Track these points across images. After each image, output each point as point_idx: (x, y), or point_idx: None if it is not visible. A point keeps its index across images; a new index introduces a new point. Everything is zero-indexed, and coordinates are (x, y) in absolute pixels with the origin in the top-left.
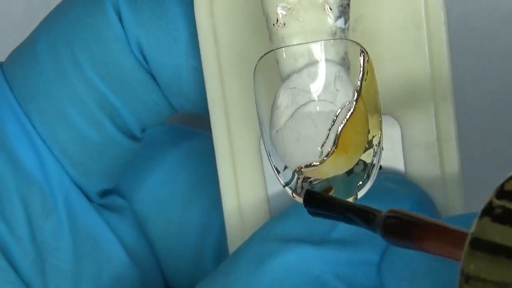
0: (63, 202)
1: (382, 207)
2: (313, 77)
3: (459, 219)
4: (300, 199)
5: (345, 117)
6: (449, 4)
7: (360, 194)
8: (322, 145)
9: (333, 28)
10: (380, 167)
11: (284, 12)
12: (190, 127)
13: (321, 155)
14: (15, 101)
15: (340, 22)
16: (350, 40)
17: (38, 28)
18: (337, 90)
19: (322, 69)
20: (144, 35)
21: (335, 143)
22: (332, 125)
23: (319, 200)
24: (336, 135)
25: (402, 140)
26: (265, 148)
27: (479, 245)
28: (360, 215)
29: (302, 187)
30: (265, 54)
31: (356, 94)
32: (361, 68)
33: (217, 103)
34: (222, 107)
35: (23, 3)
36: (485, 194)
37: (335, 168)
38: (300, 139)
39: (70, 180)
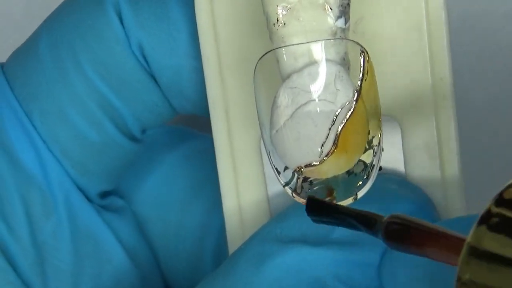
0: (63, 203)
1: (382, 208)
2: (313, 77)
3: (460, 221)
4: (300, 199)
5: (345, 117)
6: (449, 4)
7: (360, 194)
8: (322, 145)
9: (333, 28)
10: (380, 168)
11: (284, 12)
12: (190, 128)
13: (321, 155)
14: (15, 101)
15: (340, 22)
16: (351, 40)
17: (40, 28)
18: (337, 90)
19: (322, 69)
20: (145, 36)
21: (335, 143)
22: (332, 125)
23: (322, 207)
24: (336, 135)
25: (402, 141)
26: (265, 148)
27: (475, 253)
28: (362, 221)
29: (302, 187)
30: (265, 54)
31: (356, 94)
32: (361, 68)
33: (217, 103)
34: (222, 107)
35: (23, 3)
36: (485, 196)
37: (335, 168)
38: (300, 139)
39: (71, 181)
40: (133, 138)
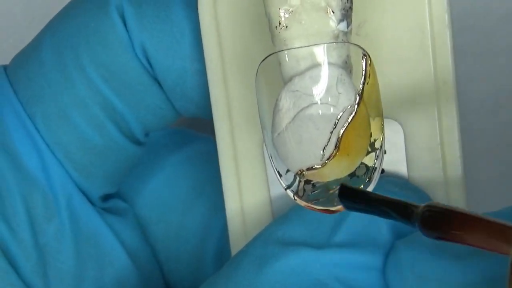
0: (65, 205)
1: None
2: (315, 80)
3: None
4: (302, 202)
5: (347, 121)
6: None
7: None
8: (324, 148)
9: (336, 31)
10: (383, 170)
11: (286, 15)
12: (192, 130)
13: (322, 158)
14: (19, 104)
15: (343, 26)
16: (353, 43)
17: (43, 31)
18: (339, 93)
19: (324, 72)
20: (148, 39)
21: (337, 146)
22: (334, 128)
23: (355, 194)
24: (338, 138)
25: (405, 143)
26: (267, 151)
27: None
28: (398, 209)
29: (304, 190)
30: (267, 57)
31: (358, 97)
32: (363, 72)
33: (220, 105)
34: (225, 109)
35: (23, 3)
36: (488, 198)
37: (336, 171)
38: (302, 142)
39: (73, 183)
40: (136, 141)
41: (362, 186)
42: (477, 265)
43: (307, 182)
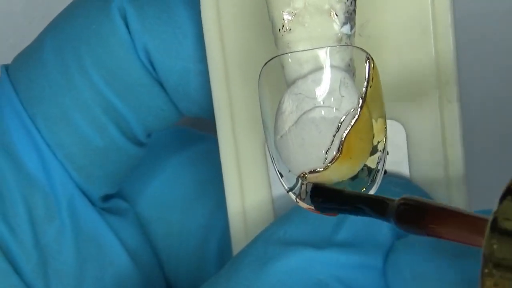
0: (66, 206)
1: None
2: (318, 83)
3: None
4: (304, 205)
5: (350, 124)
6: None
7: None
8: (326, 151)
9: (339, 34)
10: (385, 171)
11: (290, 18)
12: (194, 129)
13: (325, 161)
14: (20, 105)
15: (346, 29)
16: (356, 46)
17: (44, 32)
18: (342, 96)
19: (327, 75)
20: (150, 40)
21: (339, 150)
22: (336, 132)
23: (327, 192)
24: (341, 141)
25: (407, 144)
26: (269, 153)
27: (501, 225)
28: (372, 205)
29: (306, 193)
30: (270, 60)
31: (361, 100)
32: (367, 75)
33: (222, 105)
34: (227, 109)
35: (23, 3)
36: (491, 198)
37: (339, 174)
38: (305, 145)
39: (74, 184)
40: (137, 143)
41: (365, 188)
42: (476, 263)
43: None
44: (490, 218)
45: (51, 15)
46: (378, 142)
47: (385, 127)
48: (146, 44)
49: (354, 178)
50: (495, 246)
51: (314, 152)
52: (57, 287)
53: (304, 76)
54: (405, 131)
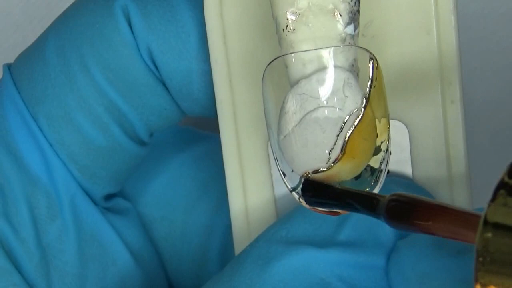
0: (68, 205)
1: None
2: (322, 83)
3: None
4: (306, 204)
5: (353, 124)
6: None
7: None
8: (330, 151)
9: (343, 34)
10: (388, 171)
11: (293, 18)
12: (197, 129)
13: (328, 161)
14: (22, 104)
15: (350, 29)
16: (360, 46)
17: (47, 31)
18: (346, 96)
19: (330, 75)
20: (154, 40)
21: (343, 150)
22: (340, 132)
23: (317, 187)
24: (344, 141)
25: (410, 144)
26: (273, 153)
27: (494, 219)
28: (362, 201)
29: None
30: (274, 60)
31: (364, 101)
32: (370, 75)
33: (225, 105)
34: (230, 109)
35: (23, 3)
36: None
37: (342, 174)
38: (308, 145)
39: (76, 184)
40: (140, 142)
41: (368, 188)
42: None
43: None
44: (483, 213)
45: (51, 15)
46: (382, 142)
47: (389, 127)
48: (149, 43)
49: (357, 178)
50: (488, 240)
51: (317, 152)
52: (59, 286)
53: (308, 76)
54: (408, 131)
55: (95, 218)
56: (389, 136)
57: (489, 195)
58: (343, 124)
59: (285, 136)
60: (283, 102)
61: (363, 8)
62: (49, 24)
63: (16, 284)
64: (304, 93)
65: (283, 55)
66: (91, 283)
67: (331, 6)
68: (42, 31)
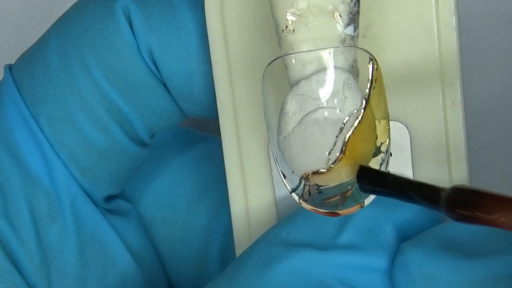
0: (69, 206)
1: (387, 212)
2: (322, 84)
3: None
4: (307, 206)
5: (353, 125)
6: None
7: (367, 201)
8: (330, 152)
9: (342, 35)
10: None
11: (293, 18)
12: (198, 130)
13: (328, 162)
14: (23, 104)
15: (350, 30)
16: (359, 47)
17: (48, 32)
18: (346, 97)
19: (330, 76)
20: (154, 41)
21: (343, 151)
22: (339, 133)
23: (374, 175)
24: (344, 142)
25: (410, 145)
26: (273, 154)
27: None
28: (423, 192)
29: (309, 193)
30: (273, 60)
31: (364, 102)
32: (370, 76)
33: (226, 106)
34: (231, 110)
35: (23, 3)
36: None
37: (342, 175)
38: (308, 146)
39: (77, 185)
40: (141, 143)
41: None
42: (484, 264)
43: (313, 185)
44: None
45: (51, 15)
46: (382, 143)
47: (389, 128)
48: (150, 44)
49: None
50: None
51: (317, 153)
52: (59, 287)
53: (308, 77)
54: (409, 133)
55: (95, 219)
56: (389, 138)
57: None
58: (342, 125)
59: (284, 137)
60: (283, 103)
61: (364, 10)
62: (49, 24)
63: (16, 285)
64: (303, 94)
65: (283, 56)
66: (92, 284)
67: (330, 7)
68: (42, 31)
